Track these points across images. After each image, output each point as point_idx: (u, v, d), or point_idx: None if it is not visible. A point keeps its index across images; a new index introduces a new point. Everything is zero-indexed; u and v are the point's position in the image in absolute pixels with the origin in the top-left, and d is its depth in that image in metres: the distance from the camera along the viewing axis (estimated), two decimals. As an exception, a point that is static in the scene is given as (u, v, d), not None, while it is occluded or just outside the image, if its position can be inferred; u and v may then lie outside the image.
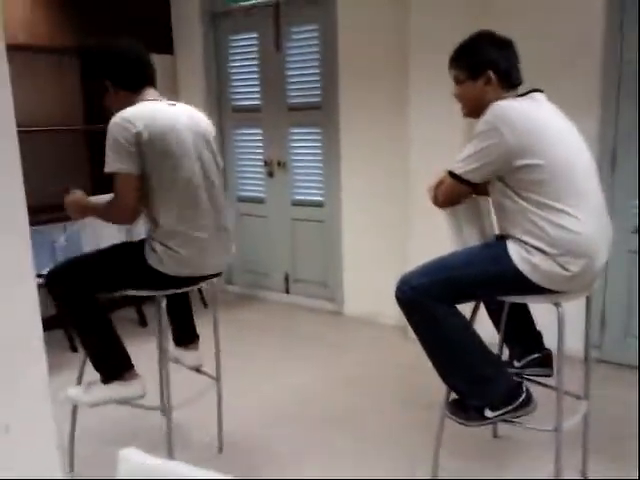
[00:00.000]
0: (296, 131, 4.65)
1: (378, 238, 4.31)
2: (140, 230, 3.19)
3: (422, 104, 3.77)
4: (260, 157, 4.91)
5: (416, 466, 2.54)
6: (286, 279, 4.97)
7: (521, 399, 2.18)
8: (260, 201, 4.99)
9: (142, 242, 2.41)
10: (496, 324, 2.59)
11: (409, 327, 2.34)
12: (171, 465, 0.90)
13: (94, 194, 4.60)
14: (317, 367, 3.63)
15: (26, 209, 1.28)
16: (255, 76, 4.81)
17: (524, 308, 2.56)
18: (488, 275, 2.16)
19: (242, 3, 4.54)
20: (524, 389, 2.21)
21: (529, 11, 3.49)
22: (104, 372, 2.46)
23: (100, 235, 3.90)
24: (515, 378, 2.32)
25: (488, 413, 2.18)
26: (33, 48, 4.24)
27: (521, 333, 2.59)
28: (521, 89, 2.27)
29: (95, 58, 2.41)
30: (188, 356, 2.80)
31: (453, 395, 2.28)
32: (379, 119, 4.15)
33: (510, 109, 2.09)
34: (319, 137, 4.56)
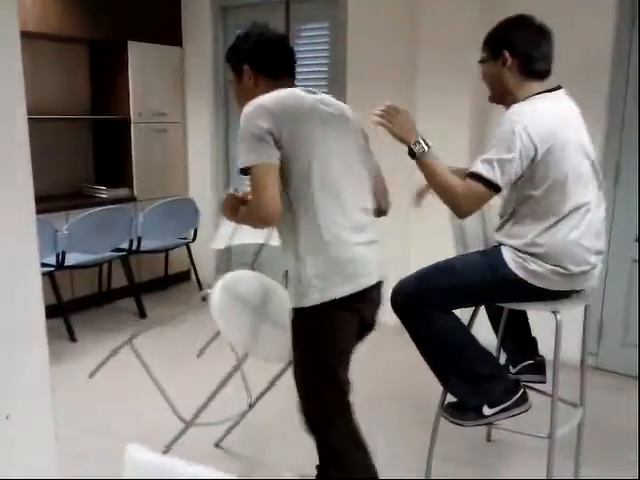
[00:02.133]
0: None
1: (378, 237, 4.30)
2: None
3: (430, 105, 3.77)
4: (264, 153, 4.91)
5: (410, 467, 2.55)
6: (286, 276, 4.95)
7: (517, 396, 2.18)
8: (263, 197, 4.98)
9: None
10: (496, 329, 2.60)
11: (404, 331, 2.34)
12: (176, 463, 0.91)
13: (97, 184, 4.65)
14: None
15: (33, 197, 1.29)
16: (263, 72, 4.80)
17: (522, 314, 2.57)
18: (486, 281, 2.15)
19: (252, -2, 4.54)
20: (520, 386, 2.21)
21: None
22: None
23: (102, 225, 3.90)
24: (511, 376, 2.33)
25: (486, 411, 2.18)
26: (42, 37, 4.25)
27: (517, 339, 2.60)
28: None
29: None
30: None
31: (450, 398, 2.29)
32: (385, 119, 4.15)
33: (531, 113, 2.03)
34: (324, 135, 4.55)
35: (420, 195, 2.40)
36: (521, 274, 2.08)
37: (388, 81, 4.10)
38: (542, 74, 2.15)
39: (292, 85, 2.03)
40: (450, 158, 3.83)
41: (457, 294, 2.18)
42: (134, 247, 4.24)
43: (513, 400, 2.17)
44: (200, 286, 4.67)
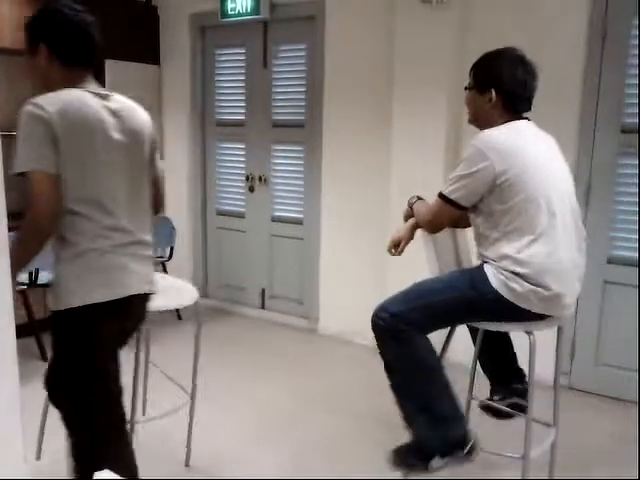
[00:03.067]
0: (279, 148, 4.68)
1: (356, 258, 4.33)
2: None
3: (405, 127, 3.82)
4: (242, 172, 4.92)
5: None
6: (262, 294, 4.96)
7: (469, 446, 2.18)
8: (240, 215, 4.99)
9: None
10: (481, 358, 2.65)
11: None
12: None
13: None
14: (288, 384, 3.61)
15: (6, 216, 1.27)
16: (241, 91, 4.83)
17: (507, 344, 2.59)
18: (467, 299, 2.18)
19: (232, 19, 4.57)
20: (471, 437, 2.21)
21: (512, 39, 3.56)
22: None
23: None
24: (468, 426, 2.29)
25: (436, 462, 2.17)
26: (18, 53, 4.20)
27: (504, 369, 2.61)
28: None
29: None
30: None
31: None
32: (362, 140, 4.19)
33: (497, 137, 2.15)
34: (301, 155, 4.58)
35: (395, 247, 2.45)
36: (503, 292, 2.12)
37: (365, 101, 4.15)
38: (522, 111, 2.29)
39: (89, 76, 2.01)
40: (424, 180, 3.90)
41: (438, 312, 2.21)
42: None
43: (463, 450, 2.18)
44: (178, 314, 4.61)
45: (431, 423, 2.19)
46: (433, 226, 2.30)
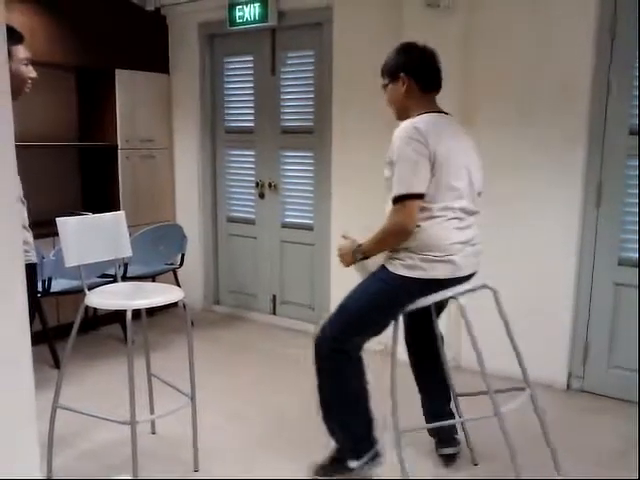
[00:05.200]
0: (288, 154, 4.69)
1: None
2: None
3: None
4: (251, 178, 4.95)
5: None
6: (273, 300, 4.97)
7: (375, 450, 2.47)
8: (250, 222, 5.01)
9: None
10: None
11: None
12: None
13: (84, 210, 4.64)
14: (300, 390, 3.61)
15: (19, 225, 1.29)
16: (249, 98, 4.86)
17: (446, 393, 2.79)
18: (385, 294, 2.40)
19: (240, 27, 4.60)
20: (377, 443, 2.49)
21: (519, 42, 3.57)
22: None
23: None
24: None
25: (352, 464, 2.45)
26: (30, 63, 4.26)
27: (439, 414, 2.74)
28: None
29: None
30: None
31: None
32: (371, 145, 4.20)
33: (415, 122, 2.35)
34: (311, 161, 4.60)
35: (362, 270, 2.55)
36: (402, 271, 2.35)
37: (373, 107, 4.15)
38: (435, 86, 2.52)
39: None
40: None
41: (372, 316, 2.42)
42: (121, 273, 4.22)
43: (373, 453, 2.46)
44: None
45: (348, 441, 2.49)
46: (412, 228, 2.34)
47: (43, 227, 4.06)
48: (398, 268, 2.36)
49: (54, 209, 4.48)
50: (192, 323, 4.58)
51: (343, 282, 4.64)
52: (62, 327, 4.32)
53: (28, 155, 4.03)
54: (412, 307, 2.40)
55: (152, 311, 4.86)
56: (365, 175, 4.26)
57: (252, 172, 4.94)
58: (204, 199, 5.17)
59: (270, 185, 4.81)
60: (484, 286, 2.51)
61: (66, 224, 2.65)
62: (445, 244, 2.34)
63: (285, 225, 4.80)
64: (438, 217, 2.33)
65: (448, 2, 3.55)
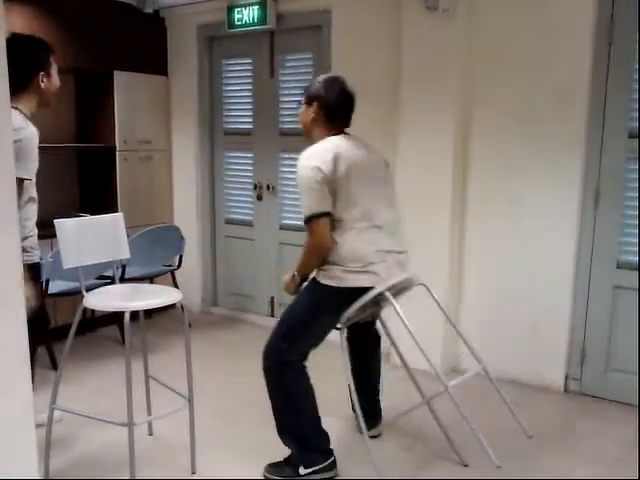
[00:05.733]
0: (286, 156, 4.69)
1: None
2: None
3: (413, 135, 3.83)
4: (250, 180, 4.95)
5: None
6: (271, 302, 4.97)
7: (328, 462, 2.63)
8: (248, 224, 5.01)
9: None
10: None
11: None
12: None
13: (82, 211, 4.64)
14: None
15: (18, 227, 1.29)
16: (248, 100, 4.86)
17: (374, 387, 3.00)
18: (314, 305, 2.58)
19: (238, 29, 4.61)
20: (332, 455, 2.66)
21: (518, 45, 3.58)
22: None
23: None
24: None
25: (302, 470, 2.61)
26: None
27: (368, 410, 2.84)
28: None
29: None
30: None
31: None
32: (369, 148, 4.21)
33: (316, 148, 2.57)
34: (309, 163, 4.59)
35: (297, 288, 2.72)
36: (326, 281, 2.52)
37: (371, 110, 4.15)
38: (342, 124, 2.71)
39: None
40: (431, 188, 3.92)
41: (301, 328, 2.59)
42: (119, 275, 4.21)
43: (325, 464, 2.63)
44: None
45: (298, 448, 2.64)
46: (325, 244, 2.53)
47: (41, 228, 4.06)
48: (323, 279, 2.54)
49: (52, 210, 4.46)
50: (190, 325, 4.56)
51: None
52: (60, 328, 4.32)
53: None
54: (346, 315, 2.54)
55: (150, 313, 4.85)
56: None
57: (250, 174, 4.94)
58: (202, 201, 5.17)
59: (268, 187, 4.81)
60: (414, 280, 2.70)
61: (64, 226, 2.65)
62: (362, 255, 2.51)
63: (283, 227, 4.80)
64: (353, 230, 2.53)
65: (447, 5, 3.56)
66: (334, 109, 2.67)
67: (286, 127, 4.65)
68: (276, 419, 2.67)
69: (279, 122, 4.68)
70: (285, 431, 2.66)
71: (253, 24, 4.51)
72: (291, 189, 4.73)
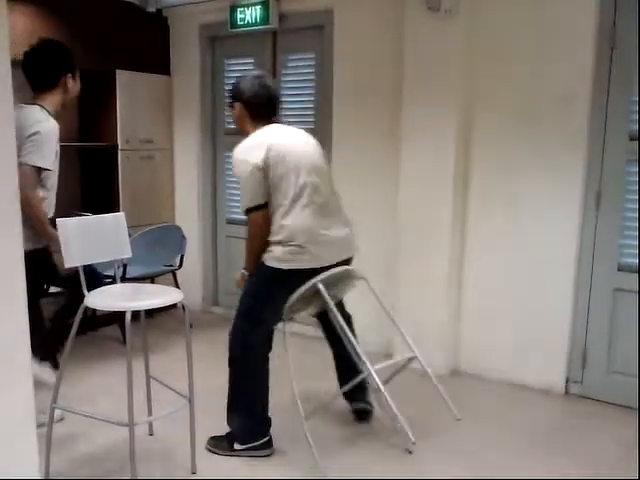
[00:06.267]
0: (288, 156, 4.69)
1: (365, 267, 4.32)
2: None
3: (415, 134, 3.83)
4: (251, 180, 4.94)
5: None
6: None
7: (264, 440, 2.83)
8: (249, 224, 4.99)
9: None
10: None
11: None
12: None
13: (84, 210, 4.64)
14: (302, 390, 3.60)
15: (21, 227, 1.29)
16: (250, 100, 4.85)
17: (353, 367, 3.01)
18: (260, 286, 2.78)
19: (241, 29, 4.61)
20: (269, 435, 2.86)
21: (520, 46, 3.58)
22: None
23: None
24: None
25: (237, 446, 2.82)
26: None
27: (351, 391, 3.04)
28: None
29: None
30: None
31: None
32: (371, 148, 4.21)
33: (247, 142, 2.79)
34: (311, 163, 4.59)
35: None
36: (270, 263, 2.70)
37: (374, 110, 4.16)
38: (267, 116, 2.89)
39: None
40: (432, 193, 3.92)
41: (254, 309, 2.78)
42: (119, 274, 4.21)
43: (260, 442, 2.82)
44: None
45: (240, 426, 2.84)
46: (262, 233, 2.74)
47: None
48: (266, 261, 2.73)
49: (54, 209, 4.48)
50: (191, 325, 4.56)
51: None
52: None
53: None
54: (288, 305, 2.74)
55: (151, 312, 4.85)
56: (365, 177, 4.27)
57: (252, 174, 4.93)
58: (204, 200, 5.17)
59: (270, 187, 4.81)
60: (351, 271, 2.90)
61: (66, 225, 2.65)
62: (298, 236, 2.69)
63: (284, 227, 4.79)
64: (289, 213, 2.70)
65: (449, 6, 3.56)
66: (255, 105, 2.86)
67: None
68: (229, 400, 2.84)
69: (281, 122, 4.66)
70: (234, 411, 2.84)
71: (255, 24, 4.51)
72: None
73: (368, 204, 4.27)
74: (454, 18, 3.60)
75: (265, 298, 2.79)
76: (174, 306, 2.66)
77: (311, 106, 4.52)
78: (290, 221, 2.69)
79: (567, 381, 3.61)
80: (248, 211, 2.74)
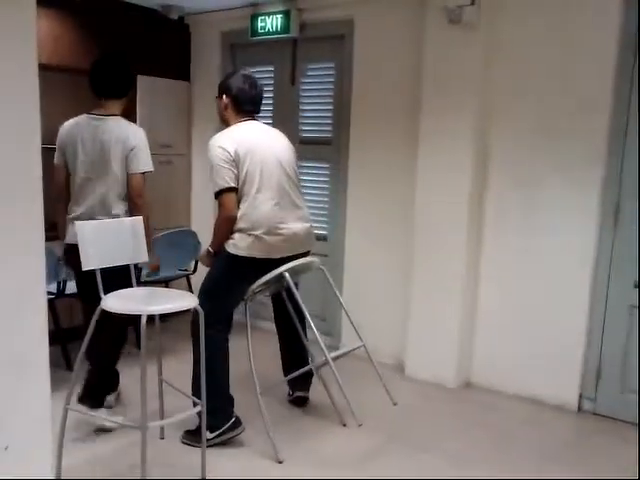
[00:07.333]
0: (305, 164, 4.69)
1: (380, 275, 4.33)
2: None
3: (431, 147, 3.83)
4: (268, 187, 4.95)
5: None
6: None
7: (230, 422, 2.95)
8: (265, 231, 5.01)
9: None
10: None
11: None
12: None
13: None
14: (311, 397, 3.61)
15: (43, 230, 1.31)
16: (269, 108, 4.87)
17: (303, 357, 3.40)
18: (227, 273, 3.02)
19: (262, 37, 4.64)
20: (234, 415, 2.98)
21: (541, 57, 3.57)
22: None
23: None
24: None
25: (208, 435, 2.84)
26: (54, 68, 4.32)
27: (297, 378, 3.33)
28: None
29: None
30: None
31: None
32: (388, 158, 4.21)
33: (223, 134, 3.03)
34: (327, 172, 4.61)
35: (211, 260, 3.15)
36: (231, 250, 2.95)
37: (392, 120, 4.17)
38: (249, 112, 3.16)
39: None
40: (449, 202, 3.90)
41: (216, 292, 2.99)
42: (135, 278, 4.24)
43: (227, 426, 2.94)
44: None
45: (213, 413, 2.86)
46: (232, 215, 2.97)
47: (58, 229, 4.11)
48: (228, 247, 2.97)
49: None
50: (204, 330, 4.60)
51: (356, 293, 4.67)
52: (74, 329, 4.36)
53: (49, 158, 4.08)
54: (251, 289, 3.01)
55: (165, 316, 4.87)
56: (381, 187, 4.27)
57: (268, 181, 4.95)
58: (220, 206, 5.19)
59: (286, 195, 4.82)
60: (312, 263, 3.17)
61: (84, 227, 2.67)
62: (260, 227, 2.92)
63: (299, 235, 4.80)
64: (252, 204, 2.93)
65: (470, 19, 3.56)
66: (240, 98, 3.12)
67: (306, 135, 4.67)
68: (193, 382, 2.94)
69: (299, 130, 4.69)
70: (199, 395, 2.81)
71: (276, 32, 4.54)
72: (309, 197, 4.73)
73: (385, 212, 4.27)
74: (474, 31, 3.60)
75: (222, 282, 3.03)
76: (187, 310, 2.67)
77: (329, 115, 4.54)
78: (252, 212, 2.94)
79: (580, 397, 3.58)
80: (221, 192, 2.96)
